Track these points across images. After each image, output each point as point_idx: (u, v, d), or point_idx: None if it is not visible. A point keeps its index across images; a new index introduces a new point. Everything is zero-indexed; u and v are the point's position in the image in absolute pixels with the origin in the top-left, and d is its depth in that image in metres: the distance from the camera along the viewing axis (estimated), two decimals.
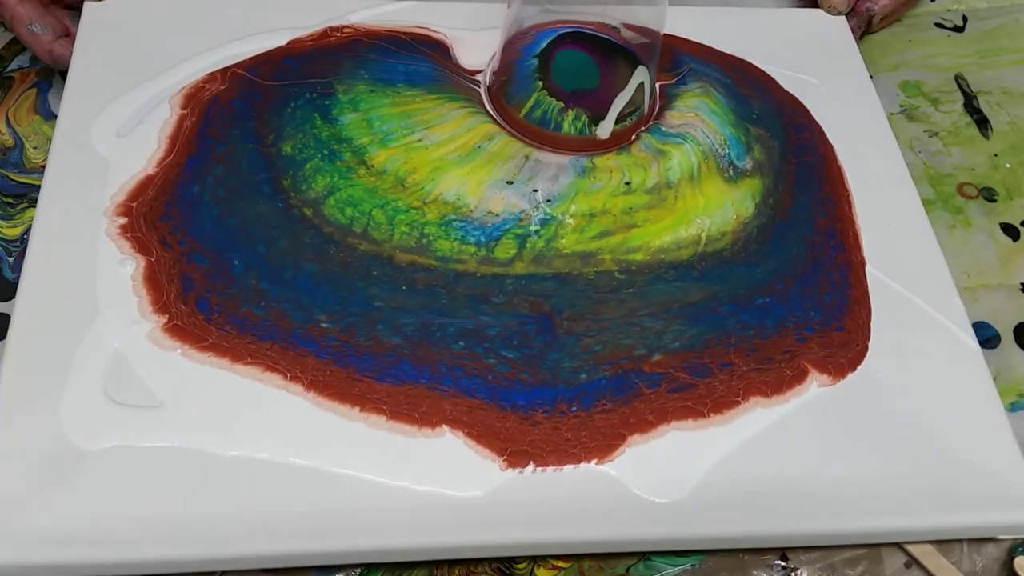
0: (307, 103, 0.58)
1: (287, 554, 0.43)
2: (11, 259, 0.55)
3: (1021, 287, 0.59)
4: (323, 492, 0.44)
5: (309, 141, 0.56)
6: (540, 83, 0.59)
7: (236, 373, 0.46)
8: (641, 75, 0.60)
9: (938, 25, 0.74)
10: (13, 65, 0.67)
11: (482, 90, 0.63)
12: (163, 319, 0.47)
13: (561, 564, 0.45)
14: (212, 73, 0.59)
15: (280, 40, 0.62)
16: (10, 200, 0.58)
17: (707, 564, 0.44)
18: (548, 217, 0.56)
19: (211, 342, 0.47)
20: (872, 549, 0.44)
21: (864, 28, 0.73)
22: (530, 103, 0.59)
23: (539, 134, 0.60)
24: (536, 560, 0.45)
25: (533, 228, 0.55)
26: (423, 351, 0.49)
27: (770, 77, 0.69)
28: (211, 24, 0.62)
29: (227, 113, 0.57)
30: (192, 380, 0.46)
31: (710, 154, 0.61)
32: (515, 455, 0.46)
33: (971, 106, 0.69)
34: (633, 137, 0.61)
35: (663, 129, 0.62)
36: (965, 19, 0.73)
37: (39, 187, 0.56)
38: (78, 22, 0.60)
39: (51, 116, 0.63)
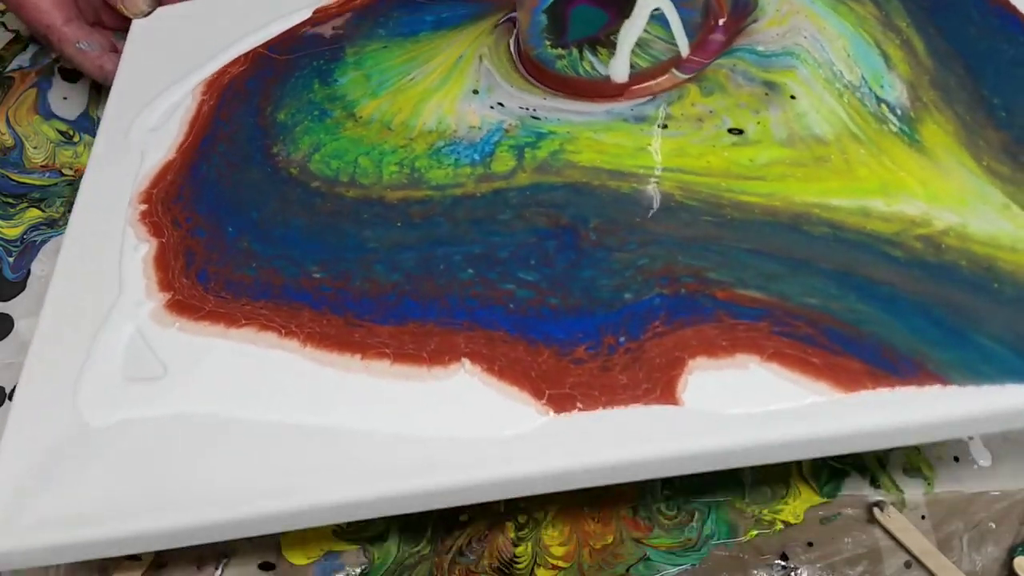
0: (312, 71, 0.53)
1: (297, 511, 0.35)
2: (11, 259, 0.52)
3: None
4: (326, 448, 0.35)
5: (303, 105, 0.51)
6: (548, 43, 0.47)
7: (230, 338, 0.40)
8: (651, 1, 0.45)
9: None
10: (13, 65, 0.64)
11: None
12: (167, 296, 0.42)
13: (562, 564, 0.40)
14: (237, 57, 0.54)
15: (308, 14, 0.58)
16: (10, 200, 0.55)
17: (707, 564, 0.40)
18: (549, 133, 0.44)
19: (207, 311, 0.41)
20: (872, 549, 0.40)
21: None
22: (546, 59, 0.48)
23: (556, 80, 0.47)
24: (536, 560, 0.40)
25: (526, 140, 0.45)
26: (426, 285, 0.40)
27: None
28: (252, 16, 0.56)
29: (241, 94, 0.52)
30: (188, 351, 0.40)
31: (840, 84, 0.43)
32: (557, 400, 0.35)
33: None
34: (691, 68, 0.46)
35: (759, 49, 0.46)
36: None
37: (39, 187, 0.56)
38: (122, 40, 0.57)
39: (51, 116, 0.60)
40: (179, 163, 0.49)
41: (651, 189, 0.42)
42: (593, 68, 0.47)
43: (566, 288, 0.39)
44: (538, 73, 0.49)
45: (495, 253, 0.41)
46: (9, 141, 0.59)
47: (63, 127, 0.59)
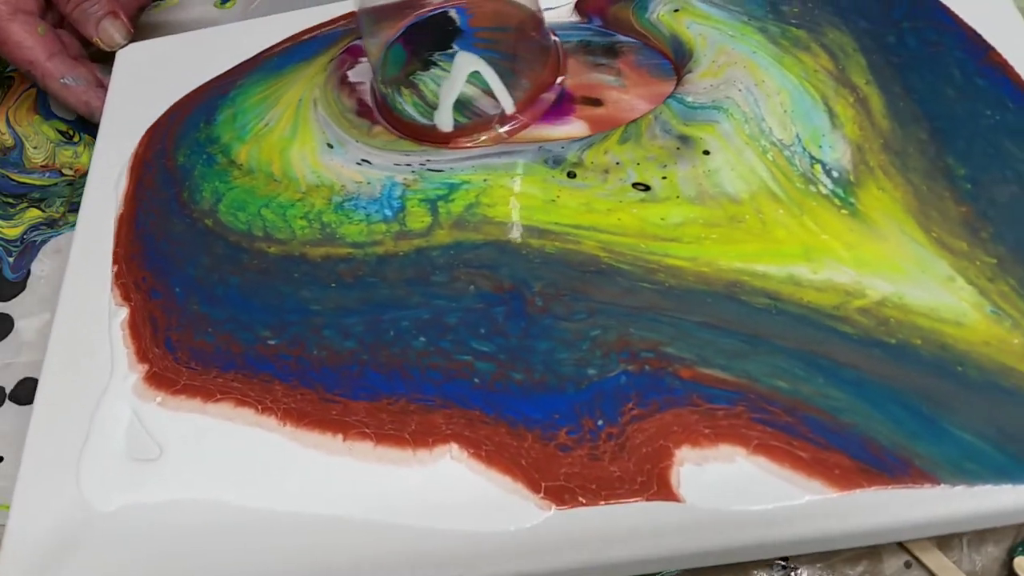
0: (204, 108, 0.46)
1: None
2: (11, 259, 0.48)
3: None
4: (327, 540, 0.33)
5: (192, 146, 0.45)
6: (379, 78, 0.43)
7: (209, 414, 0.36)
8: (468, 63, 0.42)
9: None
10: (13, 65, 0.53)
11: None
12: (145, 369, 0.38)
13: None
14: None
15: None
16: (10, 200, 0.50)
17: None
18: (456, 182, 0.40)
19: (182, 384, 0.37)
20: (872, 549, 0.36)
21: None
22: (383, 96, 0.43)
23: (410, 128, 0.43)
24: None
25: (437, 192, 0.40)
26: (383, 354, 0.35)
27: None
28: (241, 47, 0.51)
29: (160, 132, 0.47)
30: (176, 429, 0.36)
31: (766, 141, 0.38)
32: (555, 493, 0.31)
33: None
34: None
35: (688, 100, 0.39)
36: None
37: (39, 187, 0.49)
38: (108, 75, 0.51)
39: (51, 116, 0.54)
40: (127, 215, 0.43)
41: (576, 250, 0.36)
42: (403, 108, 0.41)
43: (526, 362, 0.33)
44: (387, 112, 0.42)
45: (443, 319, 0.35)
46: (9, 141, 0.53)
47: (63, 127, 0.54)
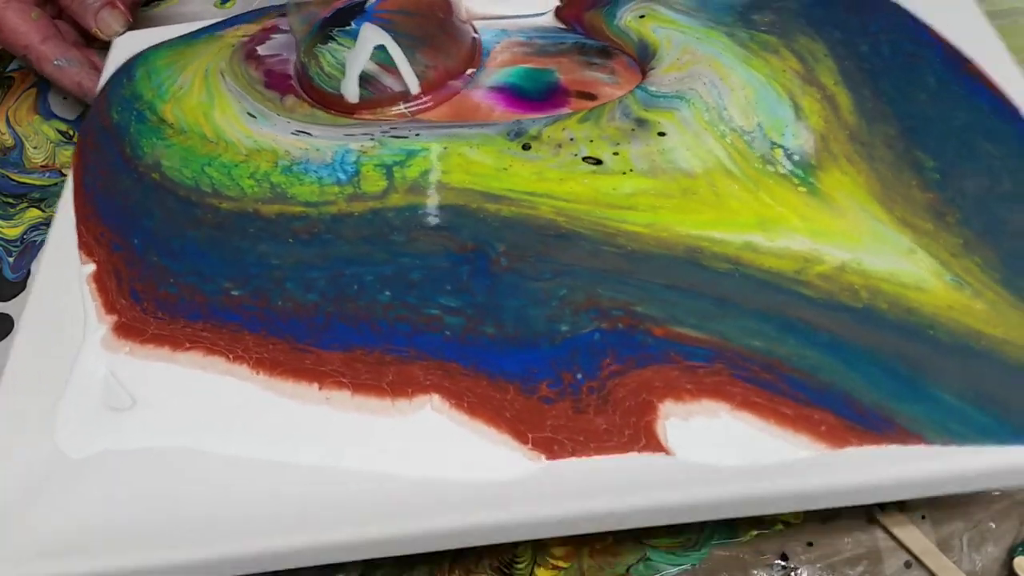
0: (125, 64, 0.48)
1: (288, 551, 0.31)
2: (11, 259, 0.48)
3: None
4: (311, 488, 0.32)
5: (120, 101, 0.45)
6: (301, 50, 0.44)
7: (179, 363, 0.35)
8: (373, 36, 0.42)
9: None
10: (13, 65, 0.57)
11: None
12: (113, 320, 0.37)
13: (562, 564, 0.35)
14: None
15: None
16: (10, 200, 0.50)
17: (707, 564, 0.35)
18: (416, 148, 0.40)
19: (150, 333, 0.36)
20: (872, 549, 0.37)
21: None
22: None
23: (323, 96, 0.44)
24: (536, 560, 0.36)
25: (394, 158, 0.40)
26: (349, 307, 0.35)
27: None
28: None
29: (101, 94, 0.47)
30: (146, 378, 0.36)
31: (725, 127, 0.38)
32: (544, 444, 0.30)
33: None
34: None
35: (651, 89, 0.40)
36: None
37: (39, 187, 0.49)
38: (104, 58, 0.51)
39: (51, 116, 0.54)
40: (78, 176, 0.43)
41: (533, 215, 0.36)
42: (312, 77, 0.42)
43: (496, 317, 0.33)
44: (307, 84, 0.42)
45: (407, 275, 0.35)
46: (9, 141, 0.53)
47: (63, 127, 0.54)
